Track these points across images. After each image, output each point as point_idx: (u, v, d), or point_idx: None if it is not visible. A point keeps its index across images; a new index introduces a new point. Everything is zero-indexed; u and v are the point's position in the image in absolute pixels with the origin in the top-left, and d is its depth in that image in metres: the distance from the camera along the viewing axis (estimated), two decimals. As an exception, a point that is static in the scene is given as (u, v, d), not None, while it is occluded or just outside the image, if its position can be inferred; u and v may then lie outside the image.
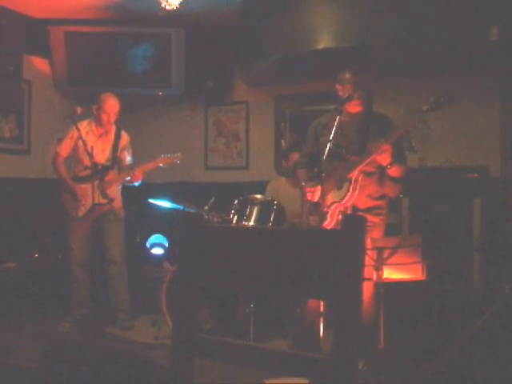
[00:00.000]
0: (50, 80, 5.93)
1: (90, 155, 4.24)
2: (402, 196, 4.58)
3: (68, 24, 5.70)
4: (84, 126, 4.52)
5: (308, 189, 3.59)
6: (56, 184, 4.64)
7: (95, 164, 4.34)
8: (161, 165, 4.57)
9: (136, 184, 4.63)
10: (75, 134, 4.46)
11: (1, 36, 5.00)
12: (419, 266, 3.14)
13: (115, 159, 4.65)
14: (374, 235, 3.39)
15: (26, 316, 4.62)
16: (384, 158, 3.37)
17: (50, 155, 4.69)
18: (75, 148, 4.56)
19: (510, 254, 4.21)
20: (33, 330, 4.42)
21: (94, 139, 4.54)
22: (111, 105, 4.54)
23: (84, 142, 4.28)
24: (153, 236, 5.86)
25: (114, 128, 4.67)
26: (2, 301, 4.58)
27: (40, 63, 5.89)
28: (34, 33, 5.64)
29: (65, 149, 4.58)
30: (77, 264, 4.57)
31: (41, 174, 5.50)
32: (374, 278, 3.21)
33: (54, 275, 5.00)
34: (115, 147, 4.64)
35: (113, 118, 4.58)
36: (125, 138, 4.73)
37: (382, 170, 3.56)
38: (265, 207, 4.28)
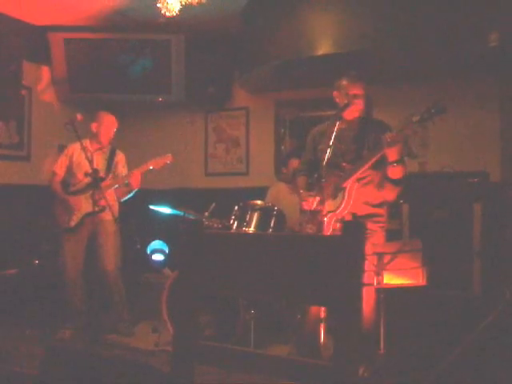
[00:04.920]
0: (50, 86, 5.94)
1: (91, 162, 4.27)
2: (402, 201, 4.59)
3: (68, 31, 5.71)
4: (78, 145, 4.47)
5: (304, 197, 3.57)
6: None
7: (95, 170, 4.35)
8: (151, 167, 4.50)
9: (134, 190, 4.62)
10: (69, 151, 4.64)
11: (1, 43, 5.01)
12: (419, 272, 3.14)
13: (109, 170, 4.68)
14: (373, 242, 3.38)
15: (26, 322, 4.62)
16: (393, 152, 3.30)
17: (49, 161, 4.71)
18: (70, 164, 4.64)
19: (510, 259, 4.21)
20: (33, 336, 4.41)
21: (89, 154, 4.54)
22: (111, 120, 4.66)
23: (85, 149, 4.33)
24: (153, 242, 5.85)
25: (109, 146, 4.73)
26: (2, 307, 4.58)
27: (40, 70, 5.90)
28: (35, 39, 5.66)
29: (61, 167, 4.66)
30: (74, 272, 4.57)
31: (41, 180, 5.49)
32: (375, 283, 3.21)
33: (55, 282, 4.99)
34: (109, 162, 4.69)
35: (112, 134, 4.67)
36: (120, 155, 4.79)
37: (381, 174, 3.54)
38: (265, 213, 4.27)
